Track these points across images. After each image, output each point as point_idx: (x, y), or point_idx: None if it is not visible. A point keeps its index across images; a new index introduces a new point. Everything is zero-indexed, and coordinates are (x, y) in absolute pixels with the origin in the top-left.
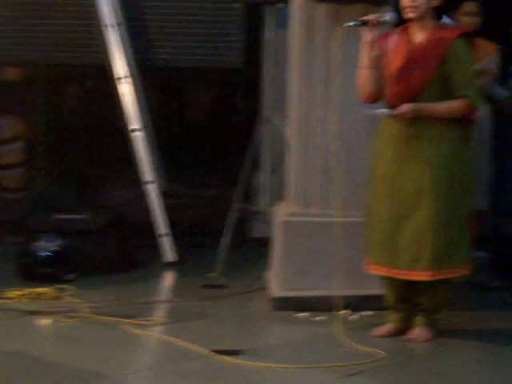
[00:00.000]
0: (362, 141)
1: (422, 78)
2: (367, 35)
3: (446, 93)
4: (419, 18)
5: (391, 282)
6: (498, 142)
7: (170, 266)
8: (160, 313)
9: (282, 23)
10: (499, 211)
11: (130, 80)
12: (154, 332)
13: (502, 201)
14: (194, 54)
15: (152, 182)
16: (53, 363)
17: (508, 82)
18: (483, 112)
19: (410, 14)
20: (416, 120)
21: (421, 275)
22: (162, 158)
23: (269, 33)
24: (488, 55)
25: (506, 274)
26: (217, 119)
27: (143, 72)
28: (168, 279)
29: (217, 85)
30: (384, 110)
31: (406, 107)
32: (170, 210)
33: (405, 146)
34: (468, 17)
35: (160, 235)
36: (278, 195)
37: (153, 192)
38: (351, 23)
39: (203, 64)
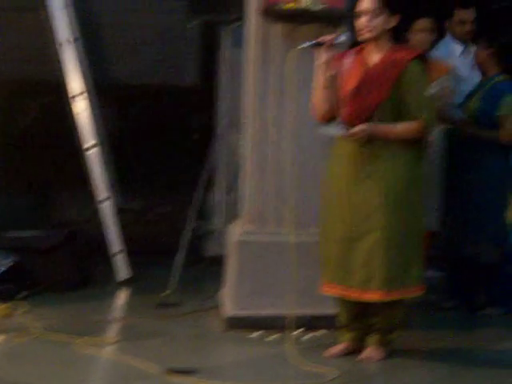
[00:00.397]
0: (316, 160)
1: (376, 99)
2: (322, 56)
3: (400, 114)
4: (375, 39)
5: (345, 302)
6: (449, 163)
7: (124, 283)
8: (113, 331)
9: (238, 42)
10: (448, 231)
11: (85, 97)
12: (106, 351)
13: (451, 221)
14: (150, 72)
15: (107, 199)
16: (1, 382)
17: (464, 104)
18: (436, 133)
19: (366, 35)
20: (370, 140)
21: (373, 296)
22: (117, 174)
23: (224, 52)
24: (442, 75)
25: (460, 294)
26: (173, 136)
27: (99, 88)
28: (122, 297)
29: (173, 102)
30: (339, 130)
31: (360, 128)
32: (125, 226)
33: (359, 166)
34: (422, 34)
35: (114, 253)
36: (233, 214)
37: (108, 209)
38: (305, 44)
39: (159, 82)
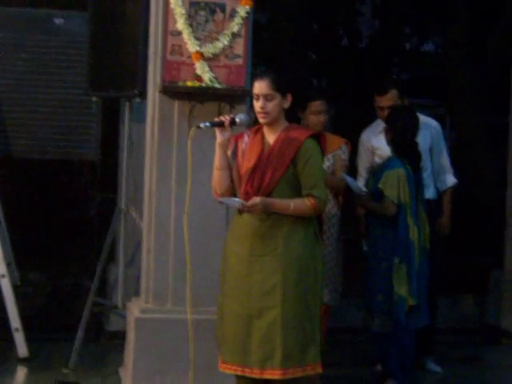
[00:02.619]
0: (215, 238)
1: (273, 177)
2: (221, 136)
3: (297, 191)
4: (270, 122)
5: (244, 380)
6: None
7: (23, 361)
8: None
9: (140, 117)
10: (365, 307)
11: None
12: None
13: (366, 295)
14: (51, 146)
15: (3, 277)
16: None
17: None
18: (335, 208)
19: (261, 120)
20: (266, 218)
21: (273, 374)
22: (17, 247)
23: (125, 127)
24: (336, 149)
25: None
26: (74, 210)
27: None
28: (20, 376)
29: (74, 176)
30: (237, 200)
31: (254, 201)
32: (24, 299)
33: (255, 244)
34: (315, 115)
35: (13, 330)
36: (134, 289)
37: (5, 286)
38: (203, 125)
39: (60, 156)
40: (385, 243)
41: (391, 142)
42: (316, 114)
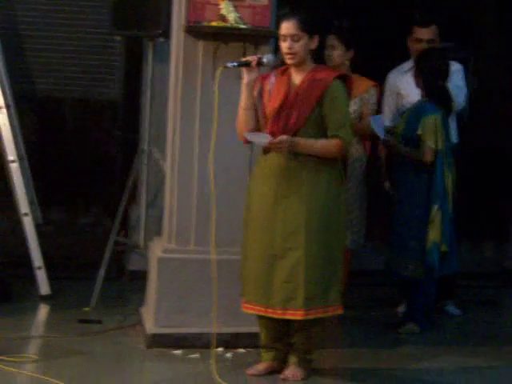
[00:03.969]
0: (239, 179)
1: (299, 118)
2: (247, 76)
3: (322, 132)
4: (297, 63)
5: (266, 321)
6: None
7: (45, 299)
8: (33, 349)
9: (163, 57)
10: (390, 246)
11: (4, 111)
12: (26, 370)
13: (392, 236)
14: (73, 85)
15: (26, 215)
16: None
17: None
18: (360, 151)
19: (288, 61)
20: (292, 158)
21: (295, 314)
22: (40, 186)
23: (148, 67)
24: (363, 93)
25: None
26: (96, 150)
27: (21, 101)
28: (42, 313)
29: (96, 116)
30: (264, 136)
31: (280, 138)
32: (46, 238)
33: (280, 186)
34: (327, 50)
35: (35, 267)
36: (155, 229)
37: (27, 225)
38: (230, 64)
39: (82, 95)
40: (419, 189)
41: (422, 85)
42: (327, 48)
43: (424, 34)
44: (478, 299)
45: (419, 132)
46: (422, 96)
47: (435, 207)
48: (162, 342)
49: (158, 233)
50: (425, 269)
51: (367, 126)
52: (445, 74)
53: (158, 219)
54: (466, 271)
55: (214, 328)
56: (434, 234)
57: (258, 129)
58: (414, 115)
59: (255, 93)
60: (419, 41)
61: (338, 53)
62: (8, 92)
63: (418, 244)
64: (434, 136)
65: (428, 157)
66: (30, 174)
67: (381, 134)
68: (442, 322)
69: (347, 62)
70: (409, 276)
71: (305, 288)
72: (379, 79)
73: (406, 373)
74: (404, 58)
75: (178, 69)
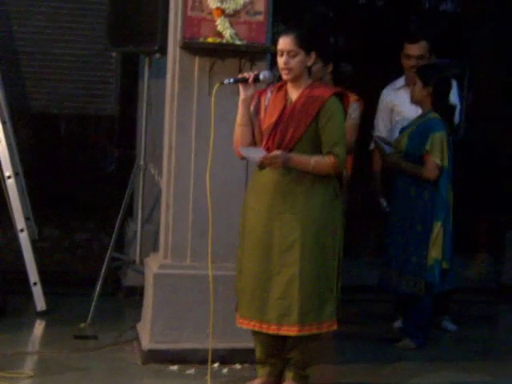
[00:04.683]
0: (235, 194)
1: (294, 134)
2: (244, 92)
3: (317, 149)
4: (293, 79)
5: (261, 336)
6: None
7: (41, 315)
8: (29, 365)
9: (159, 73)
10: (386, 262)
11: (0, 127)
12: None
13: (389, 251)
14: (69, 101)
15: (22, 231)
16: None
17: (397, 139)
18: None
19: (284, 76)
20: (287, 173)
21: (289, 330)
22: (36, 201)
23: (144, 83)
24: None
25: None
26: (92, 165)
27: (17, 117)
28: (38, 329)
29: (92, 132)
30: (259, 150)
31: (274, 153)
32: (42, 253)
33: (275, 201)
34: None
35: (31, 284)
36: (152, 245)
37: (23, 241)
38: (227, 81)
39: (78, 111)
40: (421, 205)
41: (432, 101)
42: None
43: (413, 50)
44: (474, 315)
45: (427, 148)
46: (424, 113)
47: (438, 224)
48: (158, 357)
49: (154, 248)
50: (425, 285)
51: (350, 141)
52: (449, 89)
53: (154, 235)
54: (462, 286)
55: (210, 344)
56: (435, 251)
57: (254, 144)
58: (419, 131)
59: (251, 108)
60: (408, 57)
61: (317, 67)
62: (4, 108)
63: (419, 260)
64: (440, 153)
65: (433, 174)
66: (26, 189)
67: (386, 149)
68: (438, 337)
69: (329, 76)
70: (408, 292)
71: (299, 304)
72: (375, 95)
73: None
74: (399, 73)
75: (174, 85)
